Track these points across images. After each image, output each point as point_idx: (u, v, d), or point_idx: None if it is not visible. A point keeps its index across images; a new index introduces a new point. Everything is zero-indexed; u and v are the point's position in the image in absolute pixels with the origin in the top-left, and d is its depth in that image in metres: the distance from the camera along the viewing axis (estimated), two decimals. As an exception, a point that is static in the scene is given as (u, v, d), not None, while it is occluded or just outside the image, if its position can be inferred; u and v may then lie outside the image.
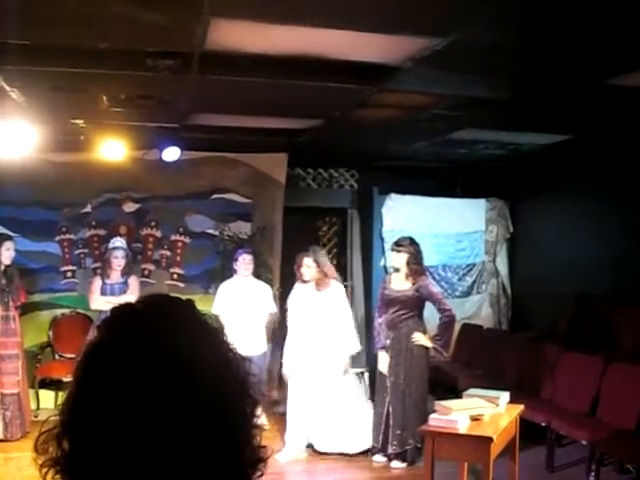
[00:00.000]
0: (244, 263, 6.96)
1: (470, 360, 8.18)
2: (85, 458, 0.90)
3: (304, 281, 6.44)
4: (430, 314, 6.32)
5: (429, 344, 6.05)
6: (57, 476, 0.92)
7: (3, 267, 6.81)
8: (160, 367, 0.90)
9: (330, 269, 6.51)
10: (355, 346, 6.44)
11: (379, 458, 6.21)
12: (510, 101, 5.66)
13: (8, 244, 6.84)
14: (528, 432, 5.54)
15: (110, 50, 4.33)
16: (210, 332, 0.99)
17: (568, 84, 5.12)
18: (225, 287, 7.03)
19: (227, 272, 7.41)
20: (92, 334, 6.72)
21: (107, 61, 4.51)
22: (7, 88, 5.17)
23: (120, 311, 0.99)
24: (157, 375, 0.89)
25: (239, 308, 6.82)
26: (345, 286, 7.41)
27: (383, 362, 6.15)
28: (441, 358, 6.07)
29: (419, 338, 6.05)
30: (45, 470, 0.92)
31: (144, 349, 0.91)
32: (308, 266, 6.35)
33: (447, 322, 6.13)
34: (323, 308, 6.34)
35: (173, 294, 1.09)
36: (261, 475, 0.98)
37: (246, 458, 0.96)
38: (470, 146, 7.83)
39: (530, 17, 3.76)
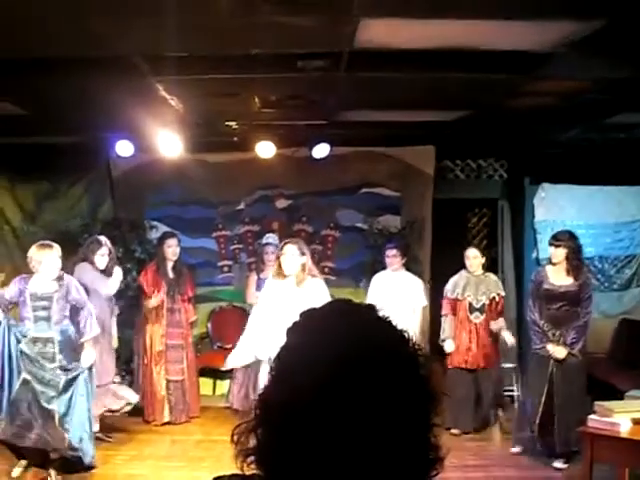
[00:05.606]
0: (388, 257, 7.09)
1: (630, 358, 7.69)
2: (276, 450, 0.94)
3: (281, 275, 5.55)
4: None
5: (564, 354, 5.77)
6: (251, 465, 0.97)
7: (172, 263, 7.18)
8: (350, 367, 0.93)
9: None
10: None
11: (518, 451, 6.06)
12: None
13: (170, 241, 7.16)
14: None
15: (262, 55, 4.48)
16: (396, 333, 1.02)
17: None
18: (377, 280, 7.12)
19: (377, 265, 7.49)
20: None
21: (259, 66, 4.67)
22: (167, 97, 5.50)
23: (308, 315, 1.04)
24: (349, 375, 0.92)
25: (390, 301, 6.86)
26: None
27: (559, 354, 5.78)
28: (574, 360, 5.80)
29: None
30: (241, 459, 0.98)
31: (334, 350, 0.94)
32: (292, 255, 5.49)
33: (584, 326, 5.80)
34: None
35: None
36: (437, 474, 0.99)
37: (429, 456, 0.98)
38: (628, 130, 7.43)
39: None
